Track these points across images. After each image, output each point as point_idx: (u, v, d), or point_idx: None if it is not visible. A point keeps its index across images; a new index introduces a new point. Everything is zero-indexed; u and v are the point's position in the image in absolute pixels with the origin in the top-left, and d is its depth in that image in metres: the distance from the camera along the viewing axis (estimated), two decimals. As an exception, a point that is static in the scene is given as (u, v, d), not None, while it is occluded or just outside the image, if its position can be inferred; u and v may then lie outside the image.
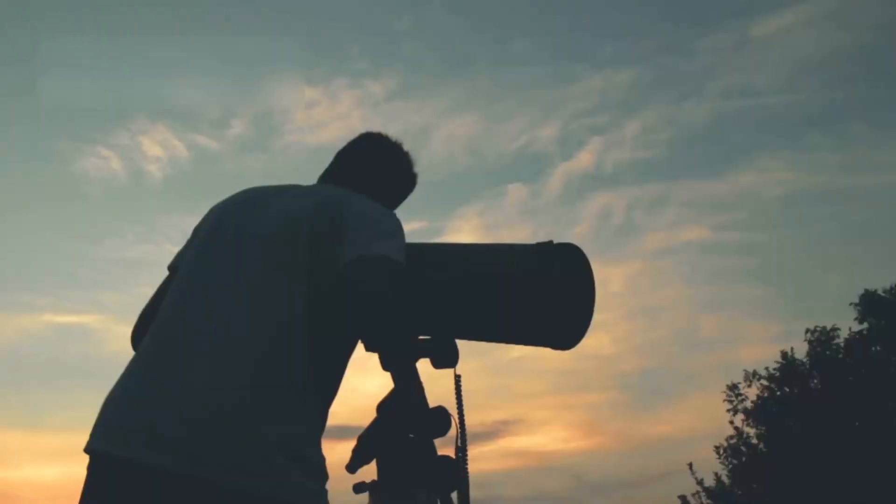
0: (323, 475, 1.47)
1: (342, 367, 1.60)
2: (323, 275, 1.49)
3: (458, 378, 1.58)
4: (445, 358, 1.57)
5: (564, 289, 1.56)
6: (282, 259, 1.53)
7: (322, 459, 1.48)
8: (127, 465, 1.37)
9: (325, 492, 1.46)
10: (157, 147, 18.01)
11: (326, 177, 1.88)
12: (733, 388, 15.49)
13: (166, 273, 1.75)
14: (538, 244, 1.59)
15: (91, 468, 1.45)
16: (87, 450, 1.45)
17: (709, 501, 15.06)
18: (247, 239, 1.59)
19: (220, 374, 1.42)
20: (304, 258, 1.51)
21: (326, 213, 1.55)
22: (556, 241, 1.60)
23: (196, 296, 1.55)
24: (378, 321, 1.39)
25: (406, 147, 1.94)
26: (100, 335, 18.56)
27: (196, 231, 1.75)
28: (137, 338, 1.70)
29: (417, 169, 1.95)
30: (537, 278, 1.54)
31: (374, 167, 1.89)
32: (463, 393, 1.59)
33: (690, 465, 15.21)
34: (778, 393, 15.04)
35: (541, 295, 1.53)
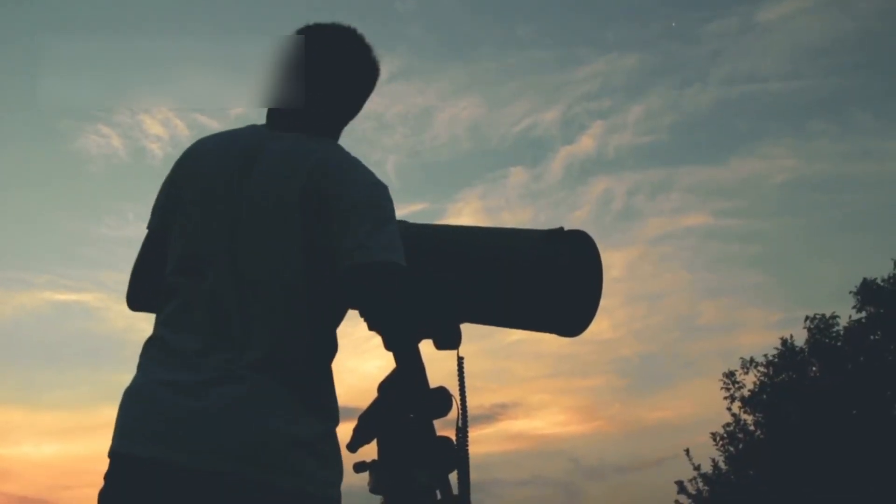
0: (339, 466, 1.50)
1: (335, 337, 1.58)
2: (318, 254, 1.46)
3: (460, 360, 1.58)
4: (448, 340, 1.57)
5: (575, 276, 1.56)
6: (277, 244, 1.48)
7: (337, 451, 1.50)
8: (147, 463, 1.38)
9: (340, 481, 1.49)
10: (158, 126, 17.94)
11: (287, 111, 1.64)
12: (730, 375, 15.53)
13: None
14: (549, 230, 1.58)
15: (116, 469, 1.44)
16: (114, 450, 1.44)
17: (705, 487, 15.13)
18: (237, 224, 1.51)
19: (236, 368, 1.42)
20: (296, 241, 1.47)
21: (316, 194, 1.47)
22: (563, 227, 1.59)
23: (198, 287, 1.51)
24: (384, 324, 1.45)
25: (360, 32, 1.72)
26: (99, 314, 18.61)
27: (175, 188, 1.62)
28: (133, 298, 1.68)
29: (376, 54, 1.72)
30: (548, 264, 1.53)
31: (340, 82, 1.67)
32: (464, 369, 1.59)
33: (687, 450, 15.29)
34: (776, 380, 15.08)
35: (551, 281, 1.53)
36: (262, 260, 1.49)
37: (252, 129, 1.65)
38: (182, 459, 1.36)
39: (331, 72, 1.66)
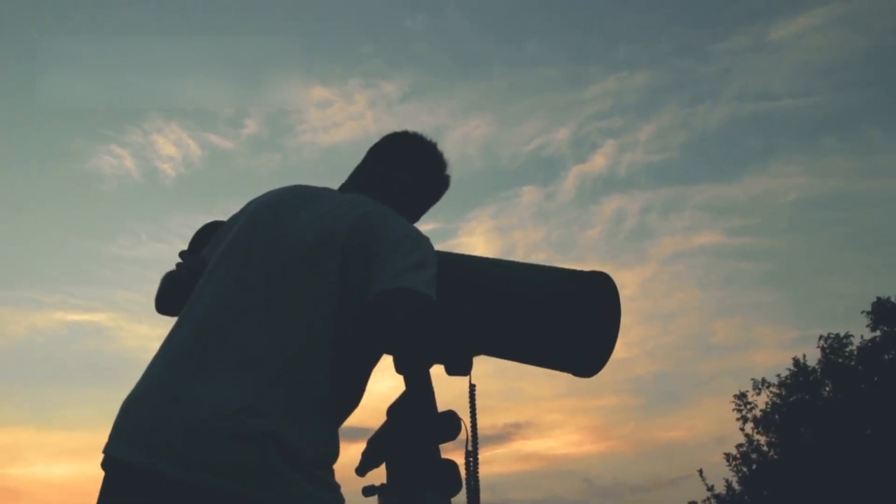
0: (336, 489, 1.49)
1: (362, 385, 1.60)
2: (352, 296, 1.49)
3: (472, 387, 1.56)
4: (459, 366, 1.56)
5: (592, 317, 1.55)
6: (311, 276, 1.52)
7: (333, 478, 1.50)
8: (143, 471, 1.38)
9: (342, 500, 1.49)
10: (170, 146, 18.08)
11: (358, 176, 1.84)
12: (741, 396, 15.44)
13: None
14: (571, 270, 1.58)
15: (107, 472, 1.45)
16: (104, 451, 1.45)
17: (718, 508, 14.98)
18: (277, 251, 1.57)
19: (239, 388, 1.42)
20: (333, 278, 1.50)
21: (361, 236, 1.53)
22: (588, 269, 1.60)
23: (220, 304, 1.54)
24: (405, 352, 1.46)
25: (440, 148, 1.89)
26: (111, 333, 18.67)
27: (228, 227, 1.73)
28: (161, 303, 1.80)
29: (450, 171, 1.90)
30: (566, 303, 1.53)
31: (407, 168, 1.84)
32: (475, 396, 1.57)
33: (701, 471, 15.18)
34: (790, 400, 14.97)
35: (568, 320, 1.52)
36: (294, 290, 1.52)
37: (318, 187, 1.75)
38: (172, 472, 1.35)
39: (400, 171, 1.83)
